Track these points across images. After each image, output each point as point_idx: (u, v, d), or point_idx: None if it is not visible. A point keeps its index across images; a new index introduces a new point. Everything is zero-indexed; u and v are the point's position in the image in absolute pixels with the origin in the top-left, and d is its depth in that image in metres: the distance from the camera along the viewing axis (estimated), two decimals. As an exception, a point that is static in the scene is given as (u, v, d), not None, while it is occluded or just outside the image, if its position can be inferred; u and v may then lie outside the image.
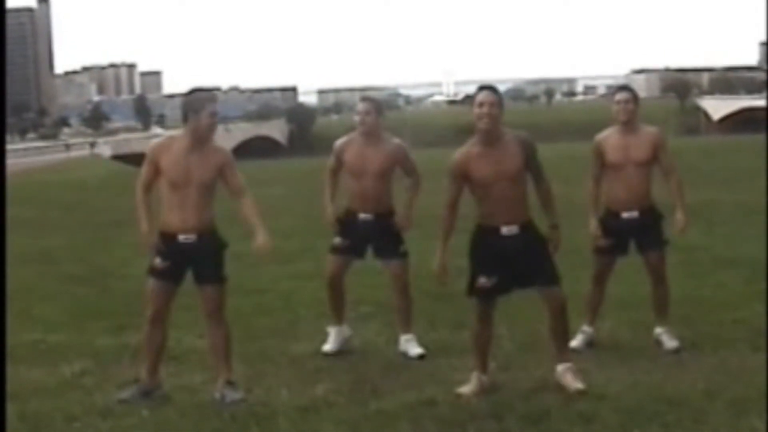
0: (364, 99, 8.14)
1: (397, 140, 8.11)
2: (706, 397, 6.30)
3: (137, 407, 6.54)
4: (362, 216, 7.92)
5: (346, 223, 8.01)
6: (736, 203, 17.31)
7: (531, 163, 6.61)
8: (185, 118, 6.68)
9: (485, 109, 6.48)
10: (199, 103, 6.69)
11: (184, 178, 6.61)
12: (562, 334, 6.75)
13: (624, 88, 8.01)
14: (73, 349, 8.30)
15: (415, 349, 7.86)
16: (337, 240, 8.05)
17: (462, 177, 6.60)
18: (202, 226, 6.68)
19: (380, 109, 8.08)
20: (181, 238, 6.65)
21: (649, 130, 7.82)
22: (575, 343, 7.68)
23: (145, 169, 6.76)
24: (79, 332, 9.04)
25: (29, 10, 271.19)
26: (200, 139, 6.66)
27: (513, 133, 6.65)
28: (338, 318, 8.14)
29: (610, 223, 7.72)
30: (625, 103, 7.69)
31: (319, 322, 8.63)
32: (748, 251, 11.88)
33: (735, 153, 29.19)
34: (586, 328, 7.87)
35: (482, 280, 6.60)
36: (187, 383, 7.04)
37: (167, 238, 6.68)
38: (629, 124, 7.70)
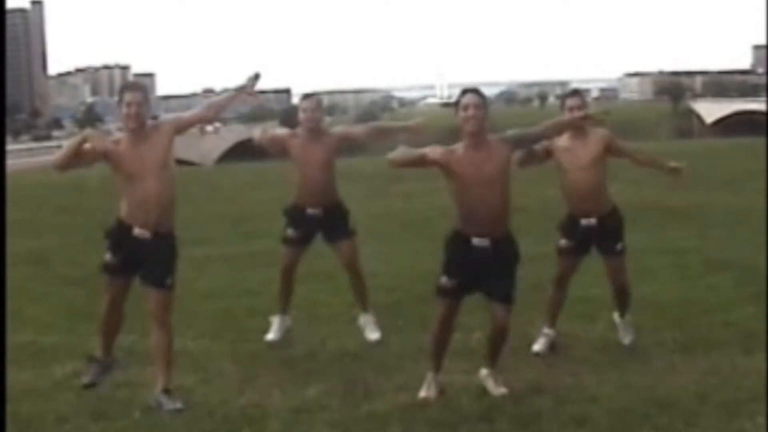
0: (307, 97, 8.41)
1: (338, 128, 8.57)
2: (698, 399, 6.31)
3: (129, 408, 6.54)
4: (310, 210, 8.23)
5: (295, 216, 8.30)
6: (728, 206, 17.31)
7: (519, 143, 6.73)
8: None
9: (471, 112, 6.47)
10: (120, 93, 6.71)
11: (134, 170, 6.56)
12: (495, 348, 6.77)
13: (575, 92, 7.96)
14: (65, 351, 8.29)
15: (372, 334, 8.23)
16: (289, 231, 8.36)
17: (444, 162, 6.50)
18: (159, 223, 6.66)
19: (322, 107, 8.44)
20: (137, 232, 6.65)
21: (596, 132, 7.66)
22: (537, 347, 7.72)
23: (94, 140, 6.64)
24: (70, 334, 9.02)
25: (22, 11, 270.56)
26: (129, 132, 6.60)
27: (497, 136, 6.62)
28: (284, 307, 8.38)
29: (570, 227, 7.71)
30: (578, 109, 7.57)
31: (312, 325, 8.64)
32: (740, 254, 11.90)
33: (728, 156, 29.15)
34: (546, 330, 7.86)
35: (443, 280, 6.63)
36: (178, 385, 7.02)
37: (122, 230, 6.70)
38: (579, 129, 7.57)
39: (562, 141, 7.61)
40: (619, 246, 7.70)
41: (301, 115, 8.24)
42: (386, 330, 8.49)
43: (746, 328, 8.17)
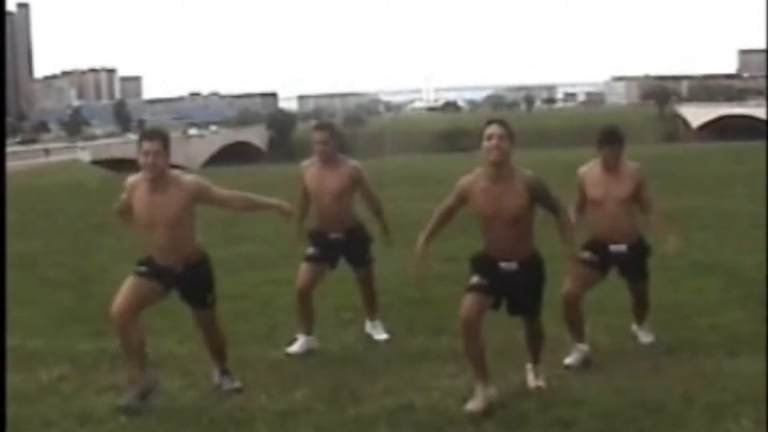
0: (319, 127, 8.44)
1: (353, 164, 8.34)
2: (684, 402, 6.34)
3: (115, 411, 6.53)
4: (333, 235, 8.24)
5: (318, 239, 8.27)
6: (714, 210, 17.39)
7: (545, 202, 6.52)
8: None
9: (494, 142, 6.36)
10: (138, 140, 6.72)
11: (149, 219, 6.62)
12: (533, 347, 6.92)
13: (612, 132, 7.68)
14: (52, 354, 8.28)
15: (380, 334, 8.44)
16: (311, 250, 8.27)
17: (461, 200, 6.57)
18: (187, 256, 6.75)
19: (336, 134, 8.42)
20: (166, 264, 6.71)
21: (631, 167, 7.68)
22: (571, 360, 7.50)
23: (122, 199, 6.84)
24: (57, 337, 9.01)
25: (8, 14, 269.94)
26: (148, 178, 6.62)
27: (524, 173, 6.49)
28: (307, 329, 8.27)
29: (596, 248, 7.61)
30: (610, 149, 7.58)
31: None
32: (726, 257, 11.95)
33: (714, 160, 29.33)
34: (580, 345, 7.60)
35: (475, 279, 6.51)
36: (165, 388, 7.01)
37: (153, 262, 6.72)
38: (615, 167, 7.59)
39: (593, 171, 7.67)
40: (645, 270, 7.85)
41: (315, 147, 8.26)
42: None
43: (732, 331, 8.21)
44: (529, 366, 6.94)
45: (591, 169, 7.71)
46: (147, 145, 6.53)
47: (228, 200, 6.93)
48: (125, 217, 6.86)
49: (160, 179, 6.57)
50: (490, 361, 6.57)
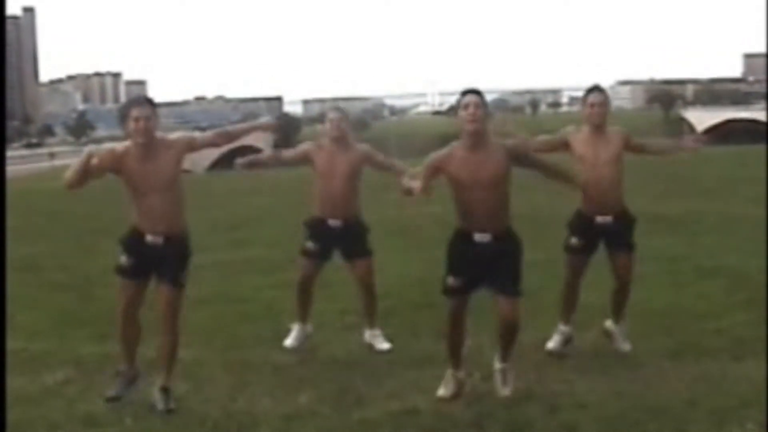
0: (336, 109, 8.54)
1: (364, 146, 8.47)
2: (688, 406, 6.33)
3: (121, 415, 6.54)
4: (331, 222, 8.17)
5: (315, 228, 8.24)
6: (719, 213, 17.36)
7: (527, 161, 6.63)
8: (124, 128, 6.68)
9: (471, 110, 6.46)
10: (126, 109, 6.71)
11: (145, 186, 6.61)
12: (505, 343, 6.76)
13: (597, 89, 7.85)
14: (56, 357, 8.29)
15: (382, 345, 8.27)
16: (309, 244, 8.27)
17: (436, 169, 6.54)
18: (170, 229, 6.71)
19: (348, 118, 8.48)
20: (149, 239, 6.69)
21: (614, 129, 7.71)
22: (552, 344, 7.76)
23: (99, 157, 6.64)
24: (61, 340, 9.01)
25: (14, 18, 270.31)
26: (137, 145, 6.60)
27: (501, 143, 6.63)
28: (303, 317, 8.38)
29: (582, 225, 7.69)
30: (599, 106, 7.64)
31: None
32: (730, 261, 11.93)
33: (719, 164, 29.26)
34: (562, 327, 7.90)
35: (450, 280, 6.64)
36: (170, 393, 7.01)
37: (136, 236, 6.72)
38: (600, 127, 7.64)
39: (581, 135, 7.66)
40: (631, 242, 7.75)
41: (328, 126, 8.29)
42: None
43: (737, 335, 8.19)
44: (497, 366, 6.80)
45: (579, 132, 7.71)
46: (137, 111, 6.56)
47: (211, 139, 6.98)
48: (90, 171, 6.60)
49: (150, 144, 6.60)
50: (492, 365, 6.58)
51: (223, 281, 11.68)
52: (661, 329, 8.21)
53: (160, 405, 6.66)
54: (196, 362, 7.89)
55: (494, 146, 6.56)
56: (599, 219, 7.63)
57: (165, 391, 6.73)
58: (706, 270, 11.41)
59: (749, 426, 5.90)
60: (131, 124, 6.56)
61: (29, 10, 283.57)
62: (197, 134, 7.03)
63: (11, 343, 8.58)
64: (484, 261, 6.55)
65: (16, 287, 11.66)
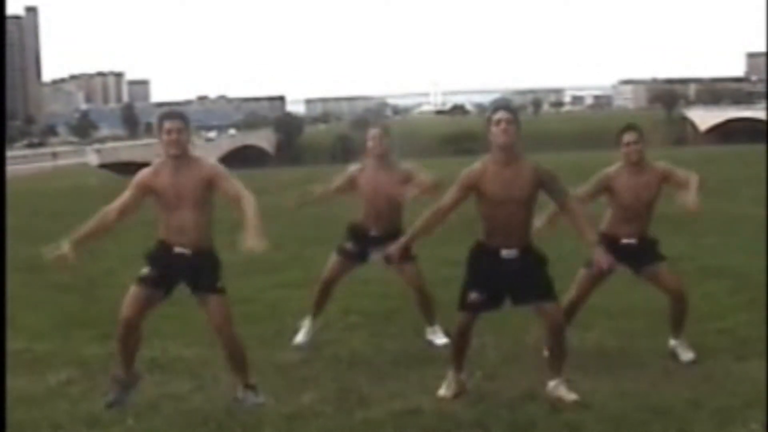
0: (377, 125, 8.64)
1: (406, 165, 8.42)
2: (691, 406, 6.33)
3: (123, 415, 6.54)
4: (373, 233, 8.28)
5: (357, 233, 8.36)
6: (722, 213, 17.34)
7: (552, 188, 6.55)
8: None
9: (503, 126, 6.47)
10: (158, 121, 6.74)
11: (176, 199, 6.58)
12: (558, 350, 6.73)
13: (631, 128, 7.79)
14: (59, 358, 8.29)
15: (440, 339, 8.31)
16: (348, 244, 8.40)
17: (469, 188, 6.57)
18: (198, 242, 6.66)
19: (389, 135, 8.56)
20: (177, 250, 6.64)
21: (656, 166, 7.73)
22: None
23: (127, 194, 6.73)
24: (65, 341, 9.02)
25: (17, 17, 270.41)
26: (170, 158, 6.61)
27: (532, 162, 6.60)
28: (317, 312, 8.53)
29: (608, 245, 7.60)
30: (634, 144, 7.60)
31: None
32: (733, 261, 11.93)
33: (722, 163, 29.28)
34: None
35: (473, 296, 6.60)
36: (173, 392, 7.02)
37: (162, 249, 6.69)
38: (639, 164, 7.62)
39: (623, 178, 7.64)
40: (659, 252, 7.77)
41: (369, 144, 8.36)
42: (380, 337, 8.50)
43: (740, 335, 8.19)
44: (552, 383, 6.69)
45: (618, 174, 7.68)
46: (169, 124, 6.57)
47: (231, 199, 6.85)
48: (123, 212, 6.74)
49: (183, 157, 6.60)
50: (495, 364, 6.57)
51: (226, 281, 11.65)
52: (665, 329, 8.20)
53: (254, 400, 6.71)
54: (200, 362, 7.89)
55: (525, 162, 6.56)
56: (624, 240, 7.61)
57: (251, 387, 6.77)
58: (709, 270, 11.41)
59: (753, 426, 5.89)
60: (164, 137, 6.58)
61: (32, 10, 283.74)
62: (230, 180, 6.67)
63: (14, 344, 8.60)
64: (510, 277, 6.55)
65: (19, 288, 11.66)
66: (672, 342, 7.79)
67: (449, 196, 6.65)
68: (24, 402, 6.91)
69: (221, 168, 6.81)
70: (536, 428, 6.11)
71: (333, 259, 8.47)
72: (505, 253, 6.53)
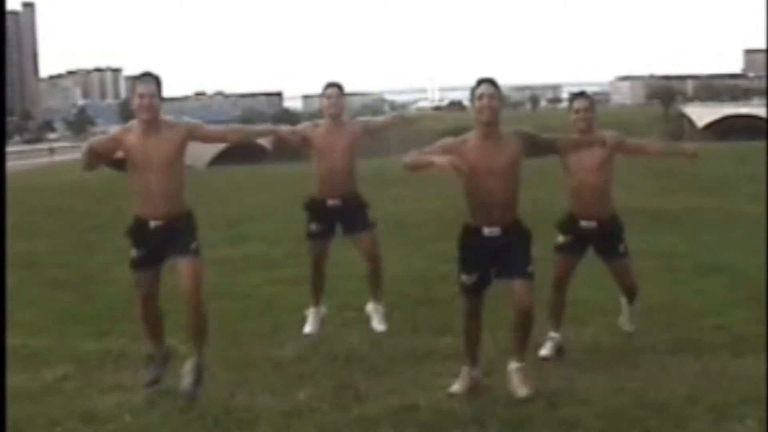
0: (330, 85, 8.41)
1: (358, 119, 8.64)
2: (688, 402, 6.32)
3: (119, 411, 6.54)
4: (330, 202, 8.26)
5: (316, 209, 8.35)
6: (719, 210, 17.39)
7: (539, 144, 6.70)
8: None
9: (485, 101, 6.47)
10: (132, 85, 6.76)
11: (144, 161, 6.60)
12: (523, 333, 6.69)
13: (582, 95, 7.81)
14: (56, 354, 8.29)
15: (379, 325, 8.42)
16: (312, 226, 8.39)
17: (446, 152, 6.50)
18: (172, 210, 6.69)
19: (343, 92, 8.48)
20: (152, 224, 6.66)
21: (606, 133, 7.57)
22: (545, 351, 7.68)
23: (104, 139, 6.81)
24: (61, 337, 9.01)
25: (14, 13, 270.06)
26: (141, 122, 6.62)
27: (511, 131, 6.64)
28: (317, 301, 8.54)
29: (569, 225, 7.65)
30: (584, 111, 7.55)
31: (302, 328, 8.62)
32: (730, 258, 11.94)
33: (719, 160, 29.26)
34: (552, 334, 7.79)
35: (463, 278, 6.68)
36: (169, 388, 7.01)
37: (140, 224, 6.71)
38: (588, 133, 7.53)
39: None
40: (621, 248, 7.67)
41: (324, 102, 8.34)
42: (376, 333, 8.50)
43: (736, 332, 8.20)
44: (513, 366, 6.69)
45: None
46: (142, 88, 6.59)
47: (221, 134, 7.12)
48: (100, 154, 6.73)
49: (154, 122, 6.61)
50: (492, 360, 6.57)
51: (222, 278, 11.68)
52: (661, 326, 8.22)
53: (188, 385, 6.68)
54: (196, 358, 7.87)
55: (507, 136, 6.58)
56: (584, 223, 7.59)
57: (198, 369, 6.73)
58: (705, 267, 11.43)
59: (749, 422, 5.89)
60: (136, 101, 6.59)
61: (29, 6, 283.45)
62: (205, 125, 7.04)
63: (10, 340, 8.57)
64: (493, 254, 6.57)
65: (16, 284, 11.66)
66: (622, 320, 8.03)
67: (438, 153, 6.53)
68: (20, 398, 6.90)
69: (193, 121, 6.99)
70: (533, 424, 6.10)
71: (308, 246, 8.50)
72: (488, 231, 6.55)
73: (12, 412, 6.52)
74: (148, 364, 7.00)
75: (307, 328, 8.55)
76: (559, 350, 7.77)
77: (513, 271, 6.55)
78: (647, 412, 6.18)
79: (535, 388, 6.61)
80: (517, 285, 6.54)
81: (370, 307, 8.57)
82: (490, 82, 6.59)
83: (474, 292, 6.71)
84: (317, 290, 8.59)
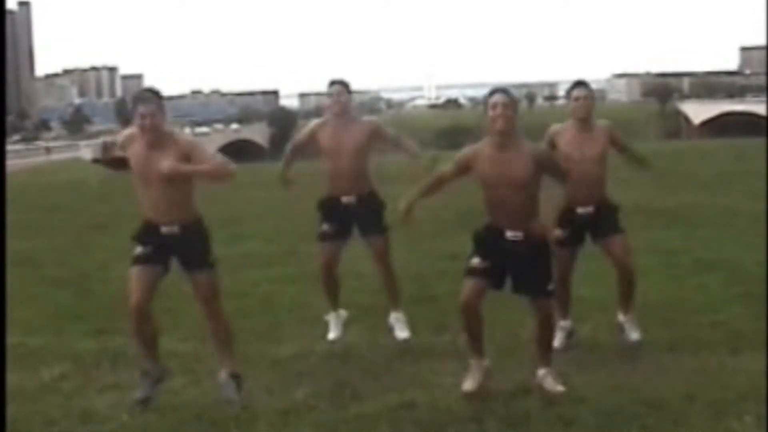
0: (334, 83, 8.23)
1: (369, 118, 8.29)
2: (686, 399, 6.32)
3: (117, 410, 6.53)
4: (345, 199, 8.05)
5: (329, 208, 8.12)
6: (716, 206, 17.38)
7: (550, 169, 6.62)
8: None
9: (499, 111, 6.45)
10: (132, 104, 6.73)
11: (146, 174, 6.60)
12: (546, 342, 6.76)
13: (581, 83, 7.89)
14: (53, 353, 8.27)
15: (402, 332, 8.19)
16: (325, 226, 8.15)
17: (464, 168, 6.60)
18: (183, 217, 6.67)
19: (349, 90, 8.28)
20: (164, 230, 6.63)
21: (601, 124, 7.80)
22: (557, 342, 7.68)
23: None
24: (58, 336, 9.00)
25: (10, 12, 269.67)
26: (144, 140, 6.62)
27: (530, 145, 6.62)
28: (334, 304, 8.36)
29: (566, 217, 7.61)
30: (584, 99, 7.67)
31: (300, 326, 8.63)
32: (727, 254, 11.94)
33: (715, 157, 29.31)
34: (563, 323, 7.86)
35: (476, 260, 6.56)
36: (167, 387, 7.00)
37: (150, 228, 6.68)
38: (587, 121, 7.68)
39: (567, 133, 7.69)
40: (618, 223, 7.73)
41: (330, 100, 8.14)
42: (374, 331, 8.49)
43: (734, 328, 8.20)
44: (542, 371, 6.71)
45: (564, 130, 7.79)
46: (143, 108, 6.56)
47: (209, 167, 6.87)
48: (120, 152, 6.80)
49: (157, 137, 6.60)
50: (490, 358, 6.58)
51: (219, 276, 11.66)
52: (659, 322, 8.21)
53: (232, 395, 6.65)
54: (194, 356, 7.88)
55: (523, 147, 6.54)
56: (580, 210, 7.64)
57: (236, 378, 6.74)
58: (703, 263, 11.43)
59: (747, 419, 5.89)
60: (137, 120, 6.58)
61: (25, 4, 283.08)
62: (205, 152, 6.83)
63: (8, 339, 8.57)
64: (514, 257, 6.53)
65: (13, 282, 11.61)
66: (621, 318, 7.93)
67: (448, 168, 6.71)
68: (17, 397, 6.88)
69: (196, 141, 6.93)
70: (530, 422, 6.10)
71: (317, 249, 8.25)
72: (510, 234, 6.53)
73: (9, 410, 6.50)
74: (142, 380, 6.81)
75: (331, 335, 8.33)
76: (569, 335, 7.88)
77: (536, 290, 6.60)
78: (645, 408, 6.17)
79: (530, 384, 6.61)
80: (540, 304, 6.63)
81: (392, 317, 8.33)
82: (504, 91, 6.58)
83: (480, 277, 6.53)
84: (332, 294, 8.35)
